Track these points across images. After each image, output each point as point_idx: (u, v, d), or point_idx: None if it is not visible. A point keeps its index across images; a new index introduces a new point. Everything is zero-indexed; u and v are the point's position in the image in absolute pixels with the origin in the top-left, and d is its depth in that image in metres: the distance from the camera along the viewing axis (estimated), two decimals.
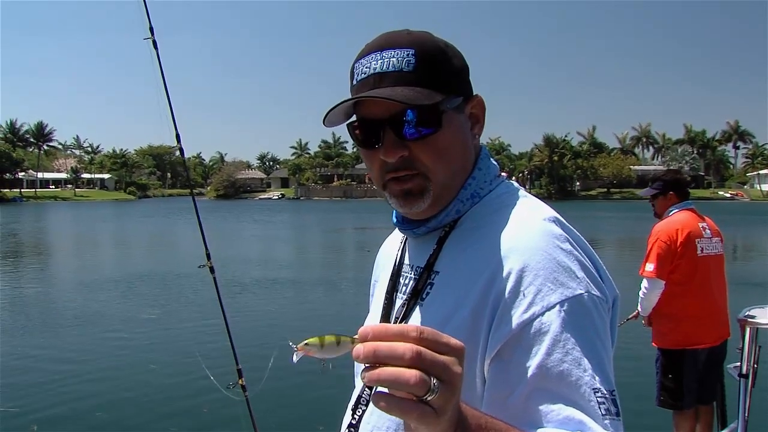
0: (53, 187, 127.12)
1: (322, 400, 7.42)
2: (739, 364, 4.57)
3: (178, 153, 3.68)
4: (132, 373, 9.55)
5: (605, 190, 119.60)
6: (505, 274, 1.23)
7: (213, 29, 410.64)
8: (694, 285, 5.43)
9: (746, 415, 4.50)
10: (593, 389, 1.12)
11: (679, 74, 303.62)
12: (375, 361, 0.89)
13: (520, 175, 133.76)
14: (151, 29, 3.16)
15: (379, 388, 0.90)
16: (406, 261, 1.54)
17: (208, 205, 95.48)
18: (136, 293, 17.06)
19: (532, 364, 1.14)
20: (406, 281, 1.49)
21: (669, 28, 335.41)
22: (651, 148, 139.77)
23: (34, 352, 10.89)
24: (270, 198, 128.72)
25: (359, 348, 0.90)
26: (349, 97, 1.37)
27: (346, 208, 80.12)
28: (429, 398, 0.88)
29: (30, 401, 8.19)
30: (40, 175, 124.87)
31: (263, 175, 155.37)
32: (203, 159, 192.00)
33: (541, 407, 1.12)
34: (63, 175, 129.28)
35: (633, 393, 7.28)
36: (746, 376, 4.51)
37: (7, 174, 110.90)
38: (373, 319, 1.56)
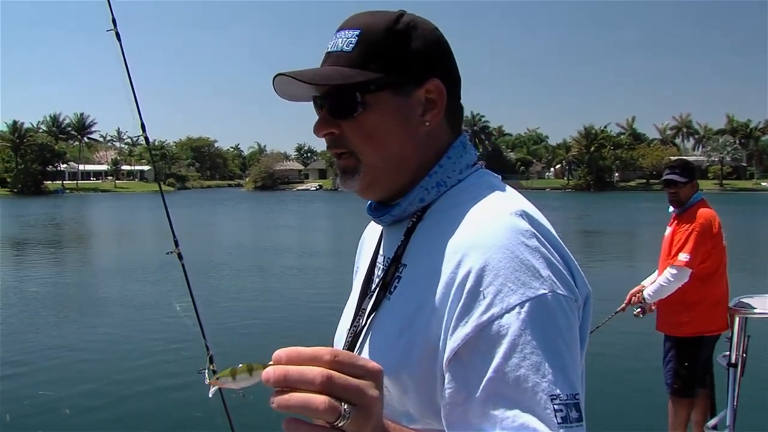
0: (94, 179, 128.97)
1: None
2: (728, 353, 4.59)
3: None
4: (116, 354, 9.98)
5: (645, 181, 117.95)
6: (464, 273, 1.19)
7: (250, 23, 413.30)
8: (719, 273, 5.56)
9: (735, 403, 4.52)
10: (551, 396, 1.08)
11: (721, 65, 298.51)
12: (285, 385, 0.87)
13: (558, 166, 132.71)
14: (114, 21, 3.21)
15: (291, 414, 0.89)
16: (381, 251, 1.51)
17: (245, 196, 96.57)
18: (154, 280, 17.36)
19: (489, 368, 1.11)
20: (379, 272, 1.46)
21: (709, 19, 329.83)
22: (692, 138, 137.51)
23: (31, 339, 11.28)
24: (308, 189, 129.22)
25: (269, 371, 0.88)
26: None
27: None
28: (340, 424, 0.87)
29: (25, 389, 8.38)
30: (81, 167, 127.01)
31: (301, 167, 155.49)
32: (241, 150, 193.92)
33: (496, 413, 1.09)
34: (104, 167, 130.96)
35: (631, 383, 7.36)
36: (735, 366, 4.52)
37: (50, 166, 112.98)
38: (349, 308, 1.53)
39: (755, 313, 4.51)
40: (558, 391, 1.08)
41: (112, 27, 3.23)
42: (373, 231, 1.66)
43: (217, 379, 0.95)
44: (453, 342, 1.16)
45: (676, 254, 5.44)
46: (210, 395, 0.99)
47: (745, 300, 4.62)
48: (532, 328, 1.11)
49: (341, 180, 1.41)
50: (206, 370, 0.88)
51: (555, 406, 1.07)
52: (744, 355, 4.52)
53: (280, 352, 0.90)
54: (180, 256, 3.46)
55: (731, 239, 5.80)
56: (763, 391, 5.22)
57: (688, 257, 5.37)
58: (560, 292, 1.17)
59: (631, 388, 7.87)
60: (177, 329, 10.62)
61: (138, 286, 16.52)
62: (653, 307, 5.72)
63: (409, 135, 1.37)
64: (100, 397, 8.12)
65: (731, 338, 4.56)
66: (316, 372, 0.86)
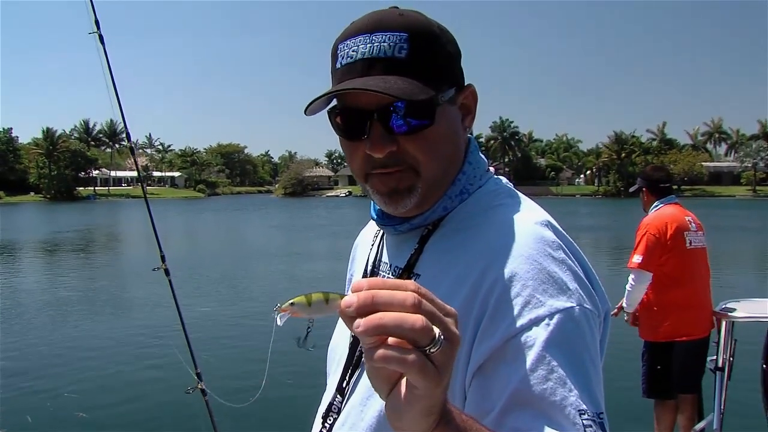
0: (125, 185, 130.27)
1: (290, 404, 7.23)
2: (714, 357, 4.61)
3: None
4: (105, 370, 9.61)
5: (676, 187, 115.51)
6: (491, 283, 1.15)
7: (280, 29, 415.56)
8: (684, 277, 5.50)
9: (722, 407, 4.53)
10: (579, 411, 1.03)
11: (753, 69, 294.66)
12: (371, 309, 0.78)
13: (588, 172, 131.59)
14: (97, 23, 3.14)
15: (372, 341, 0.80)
16: (384, 259, 1.44)
17: (275, 202, 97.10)
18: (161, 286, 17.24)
19: (515, 380, 1.06)
20: None
21: (741, 23, 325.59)
22: (724, 144, 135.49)
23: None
24: (337, 195, 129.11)
25: (351, 297, 0.79)
26: (332, 80, 1.26)
27: None
28: (432, 350, 0.77)
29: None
30: (113, 173, 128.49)
31: (331, 173, 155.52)
32: (272, 157, 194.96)
33: (521, 426, 1.03)
34: (134, 173, 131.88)
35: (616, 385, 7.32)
36: (722, 370, 4.54)
37: (82, 172, 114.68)
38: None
39: (740, 317, 4.52)
40: (584, 407, 1.04)
41: (95, 29, 3.18)
42: (367, 236, 1.60)
43: (291, 305, 0.87)
44: (478, 354, 1.12)
45: (631, 257, 5.53)
46: (279, 324, 0.90)
47: (730, 305, 4.64)
48: (560, 342, 1.08)
49: (388, 201, 1.29)
50: (276, 308, 0.75)
51: (584, 421, 1.02)
52: (731, 359, 4.53)
53: (361, 281, 0.81)
54: (167, 272, 3.40)
55: (760, 245, 5.73)
56: (750, 394, 5.19)
57: (640, 258, 5.43)
58: (587, 306, 1.14)
59: (617, 396, 7.84)
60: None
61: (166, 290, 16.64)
62: (638, 319, 5.72)
63: (458, 144, 1.33)
64: (121, 402, 8.08)
65: (718, 342, 4.58)
66: (407, 294, 0.78)
